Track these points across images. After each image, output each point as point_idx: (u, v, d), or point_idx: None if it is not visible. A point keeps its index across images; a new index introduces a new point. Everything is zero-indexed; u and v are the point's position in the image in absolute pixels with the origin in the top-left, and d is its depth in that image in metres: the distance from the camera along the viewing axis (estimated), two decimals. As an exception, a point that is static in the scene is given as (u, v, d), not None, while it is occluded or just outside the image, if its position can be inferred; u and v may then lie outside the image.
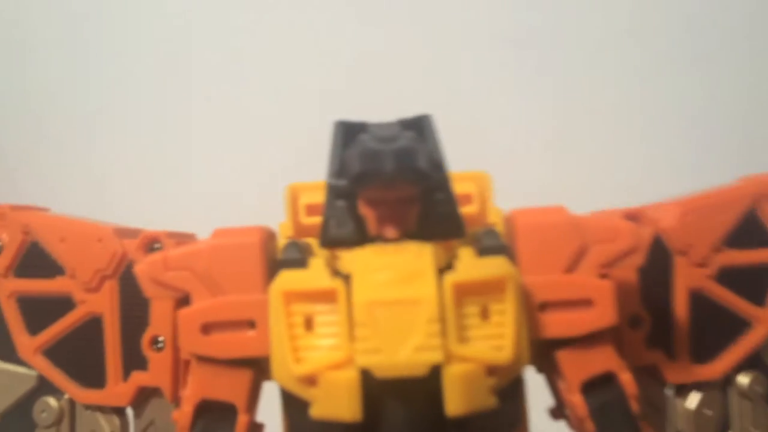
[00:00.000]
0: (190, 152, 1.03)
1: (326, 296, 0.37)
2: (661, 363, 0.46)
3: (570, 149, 1.00)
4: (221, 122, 1.03)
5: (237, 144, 1.02)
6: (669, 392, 0.48)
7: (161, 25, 1.05)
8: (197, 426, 0.41)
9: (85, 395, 0.49)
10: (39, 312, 0.50)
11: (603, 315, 0.40)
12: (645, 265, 0.44)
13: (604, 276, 0.41)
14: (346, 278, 0.38)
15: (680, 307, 0.47)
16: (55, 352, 0.49)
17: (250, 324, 0.40)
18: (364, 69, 1.00)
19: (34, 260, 0.50)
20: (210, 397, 0.41)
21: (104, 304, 0.48)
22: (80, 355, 0.49)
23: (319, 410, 0.37)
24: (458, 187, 0.45)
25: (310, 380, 0.37)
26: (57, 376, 0.49)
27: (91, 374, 0.49)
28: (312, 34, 1.02)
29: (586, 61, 1.00)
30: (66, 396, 0.49)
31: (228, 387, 0.41)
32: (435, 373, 0.36)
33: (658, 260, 0.46)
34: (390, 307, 0.36)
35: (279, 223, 0.51)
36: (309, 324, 0.38)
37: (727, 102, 1.00)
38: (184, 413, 0.41)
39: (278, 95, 1.02)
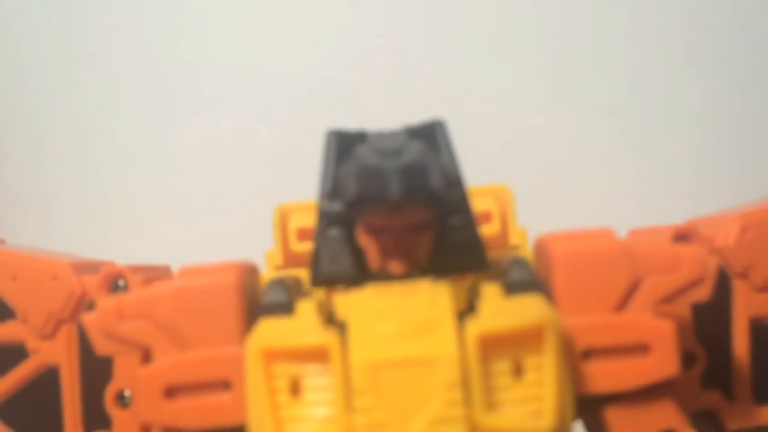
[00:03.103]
0: (165, 169, 0.95)
1: (317, 354, 0.30)
2: (719, 406, 0.41)
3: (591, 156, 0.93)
4: (199, 127, 0.96)
5: (218, 158, 0.94)
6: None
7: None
8: None
9: None
10: None
11: (663, 363, 0.33)
12: None
13: (659, 313, 0.34)
14: (342, 328, 0.30)
15: (740, 339, 0.41)
16: (7, 410, 0.43)
17: (225, 385, 0.33)
18: (364, 69, 0.92)
19: None
20: None
21: (61, 352, 0.42)
22: (35, 414, 0.43)
23: (309, 501, 0.29)
24: (475, 204, 0.38)
25: (298, 462, 0.29)
26: None
27: None
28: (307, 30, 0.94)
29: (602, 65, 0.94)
30: (21, 462, 0.44)
31: None
32: None
33: (715, 285, 0.39)
34: (398, 368, 0.28)
35: (266, 251, 0.44)
36: (295, 388, 0.30)
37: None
38: None
39: (263, 97, 0.95)
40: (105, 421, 0.41)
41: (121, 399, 0.41)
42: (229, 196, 0.90)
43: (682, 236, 0.42)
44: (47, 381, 0.42)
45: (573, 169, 0.91)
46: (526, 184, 0.50)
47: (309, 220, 0.41)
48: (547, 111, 0.92)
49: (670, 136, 0.92)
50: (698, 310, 0.40)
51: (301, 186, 0.44)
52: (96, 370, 0.41)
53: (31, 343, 0.42)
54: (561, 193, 0.88)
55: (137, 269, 0.42)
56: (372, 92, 0.87)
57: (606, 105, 0.92)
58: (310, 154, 0.43)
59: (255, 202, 0.57)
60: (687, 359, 0.39)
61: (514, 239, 0.45)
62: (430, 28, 0.92)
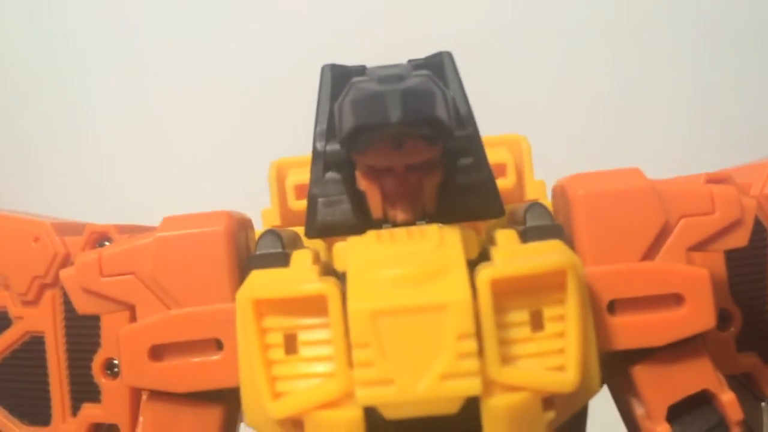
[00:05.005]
0: (157, 126, 0.93)
1: (313, 305, 0.27)
2: (756, 370, 0.38)
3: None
4: (189, 82, 0.92)
5: (207, 115, 0.91)
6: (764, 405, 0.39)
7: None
8: None
9: None
10: None
11: (697, 315, 0.30)
12: None
13: (691, 261, 0.31)
14: (341, 277, 0.27)
15: None
16: None
17: (216, 344, 0.30)
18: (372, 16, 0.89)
19: None
20: None
21: (45, 319, 0.39)
22: (20, 385, 0.40)
23: (308, 465, 0.26)
24: (488, 156, 0.35)
25: (294, 423, 0.26)
26: None
27: (35, 408, 0.40)
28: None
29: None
30: (6, 436, 0.41)
31: (191, 429, 0.30)
32: (470, 409, 0.26)
33: (750, 238, 0.36)
34: (402, 317, 0.25)
35: (262, 209, 0.41)
36: (291, 344, 0.27)
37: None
38: None
39: (261, 48, 0.92)
40: (94, 392, 0.39)
41: (110, 368, 0.38)
42: (222, 153, 0.87)
43: (715, 183, 0.38)
44: (32, 350, 0.40)
45: (597, 121, 0.88)
46: (544, 134, 0.47)
47: (307, 175, 0.38)
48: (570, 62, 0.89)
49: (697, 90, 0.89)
50: (733, 265, 0.37)
51: (299, 139, 0.41)
52: (83, 338, 0.39)
53: (14, 310, 0.40)
54: (581, 144, 0.85)
55: (123, 229, 0.39)
56: (379, 37, 0.85)
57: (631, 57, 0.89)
58: (308, 105, 0.40)
59: (249, 158, 0.54)
60: (722, 319, 0.36)
61: (531, 193, 0.42)
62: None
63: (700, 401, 0.31)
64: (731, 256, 0.36)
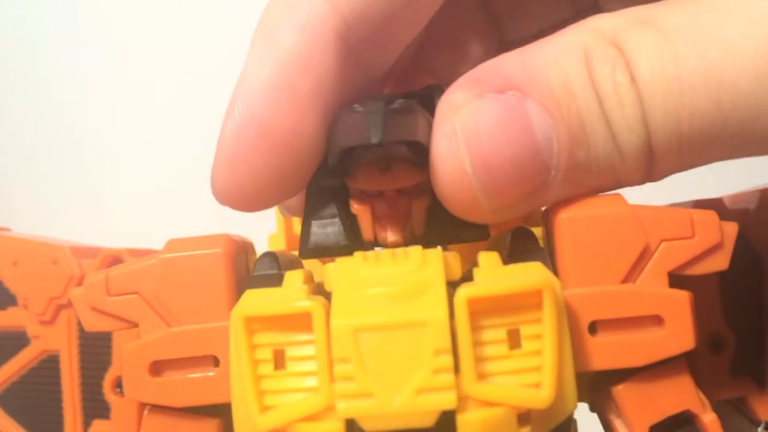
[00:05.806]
0: (160, 153, 0.94)
1: (301, 322, 0.28)
2: (750, 395, 0.37)
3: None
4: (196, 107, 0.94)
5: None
6: (760, 430, 0.40)
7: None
8: None
9: None
10: None
11: (677, 337, 0.31)
12: (728, 270, 0.34)
13: (673, 284, 0.31)
14: (330, 297, 0.29)
15: None
16: (7, 398, 0.43)
17: (213, 361, 0.31)
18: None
19: None
20: None
21: (61, 339, 0.41)
22: (35, 401, 0.43)
23: (293, 476, 0.27)
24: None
25: (281, 436, 0.27)
26: (10, 427, 0.43)
27: (49, 425, 0.42)
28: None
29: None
30: (22, 451, 0.43)
31: None
32: (447, 424, 0.26)
33: (744, 263, 0.37)
34: (382, 333, 0.27)
35: (269, 234, 0.43)
36: (280, 359, 0.28)
37: None
38: None
39: None
40: (104, 408, 0.40)
41: (119, 386, 0.40)
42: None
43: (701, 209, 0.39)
44: (47, 368, 0.42)
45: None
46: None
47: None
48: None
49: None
50: (727, 291, 0.37)
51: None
52: (96, 357, 0.40)
53: (32, 330, 0.42)
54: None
55: (136, 253, 0.41)
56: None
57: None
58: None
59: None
60: (714, 343, 0.37)
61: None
62: None
63: (683, 422, 0.32)
64: (725, 279, 0.37)
